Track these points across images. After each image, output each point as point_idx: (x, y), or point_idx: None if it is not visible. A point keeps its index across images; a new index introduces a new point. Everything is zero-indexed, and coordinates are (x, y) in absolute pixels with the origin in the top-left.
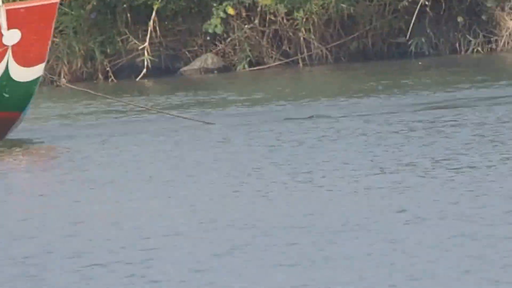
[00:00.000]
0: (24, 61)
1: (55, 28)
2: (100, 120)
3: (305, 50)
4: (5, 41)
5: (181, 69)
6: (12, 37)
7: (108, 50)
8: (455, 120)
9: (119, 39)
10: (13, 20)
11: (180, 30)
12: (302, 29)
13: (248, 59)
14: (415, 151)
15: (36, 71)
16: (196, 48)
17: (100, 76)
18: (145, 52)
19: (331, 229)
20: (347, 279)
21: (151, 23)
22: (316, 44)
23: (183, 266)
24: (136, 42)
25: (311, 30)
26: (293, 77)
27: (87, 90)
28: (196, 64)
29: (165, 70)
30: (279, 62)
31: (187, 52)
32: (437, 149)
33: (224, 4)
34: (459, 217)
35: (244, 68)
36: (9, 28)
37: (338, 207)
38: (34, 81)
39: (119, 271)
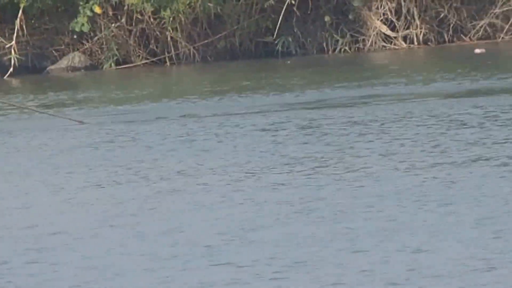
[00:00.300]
0: None
1: None
2: None
3: (172, 49)
4: None
5: (48, 68)
6: None
7: None
8: (328, 118)
9: None
10: None
11: (47, 28)
12: (169, 28)
13: (115, 58)
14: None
15: None
16: (63, 46)
17: None
18: (12, 50)
19: None
20: None
21: (17, 21)
22: (183, 43)
23: None
24: (3, 40)
25: (178, 29)
26: (161, 76)
27: None
28: (63, 62)
29: (33, 68)
30: (146, 61)
31: (54, 51)
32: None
33: (90, 2)
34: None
35: (111, 66)
36: None
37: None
38: None
39: None
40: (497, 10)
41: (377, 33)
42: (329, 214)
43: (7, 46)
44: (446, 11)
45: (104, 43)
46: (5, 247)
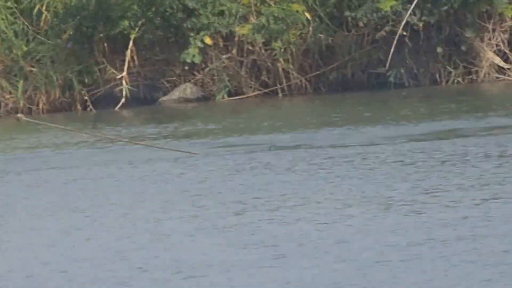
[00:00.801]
0: None
1: (32, 58)
2: (69, 151)
3: (284, 80)
4: None
5: (160, 99)
6: None
7: (86, 80)
8: (442, 151)
9: (96, 69)
10: None
11: (158, 59)
12: (281, 59)
13: (227, 89)
14: (406, 184)
15: None
16: (174, 78)
17: (78, 106)
18: (123, 81)
19: None
20: None
21: (128, 52)
22: (295, 74)
23: None
24: (114, 71)
25: (290, 60)
26: (273, 107)
27: (44, 123)
28: (175, 94)
29: (144, 100)
30: (259, 92)
31: (165, 82)
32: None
33: (201, 33)
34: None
35: (223, 98)
36: None
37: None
38: None
39: None
40: None
41: (490, 64)
42: None
43: (118, 77)
44: None
45: (216, 74)
46: None
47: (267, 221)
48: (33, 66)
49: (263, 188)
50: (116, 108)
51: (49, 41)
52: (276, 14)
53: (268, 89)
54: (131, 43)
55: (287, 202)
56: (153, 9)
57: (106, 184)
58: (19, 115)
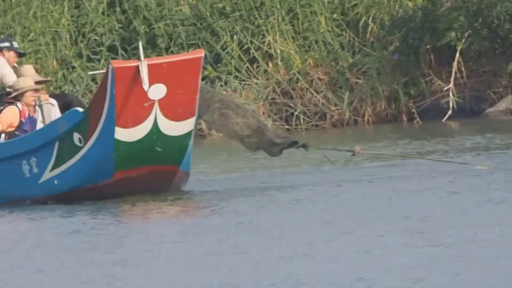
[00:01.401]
0: (173, 115)
1: (358, 70)
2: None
3: None
4: (151, 95)
5: (486, 111)
6: (158, 91)
7: (412, 91)
8: None
9: (422, 80)
10: (156, 75)
11: (485, 70)
12: None
13: None
14: None
15: (186, 125)
16: (501, 89)
17: (404, 117)
18: (450, 93)
19: None
20: None
21: (455, 64)
22: None
23: None
24: (440, 83)
25: None
26: None
27: (381, 154)
28: (502, 105)
29: (470, 111)
30: None
31: (492, 93)
32: None
33: None
34: None
35: None
36: (153, 82)
37: None
38: (186, 135)
39: None
40: None
41: None
42: None
43: (445, 88)
44: None
45: None
46: None
47: None
48: (358, 78)
49: None
50: (443, 120)
51: (375, 53)
52: None
53: None
54: (457, 55)
55: None
56: (480, 20)
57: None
58: (356, 148)
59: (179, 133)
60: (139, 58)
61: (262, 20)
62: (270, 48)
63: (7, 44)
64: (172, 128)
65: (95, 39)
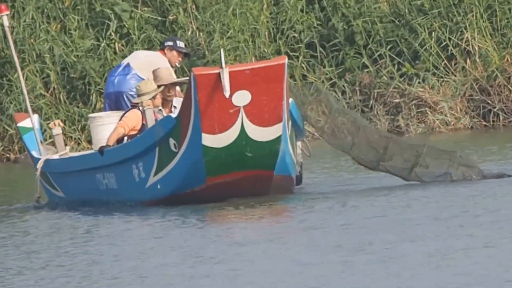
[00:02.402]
0: (260, 121)
1: None
2: None
3: None
4: (235, 102)
5: None
6: (242, 98)
7: None
8: None
9: None
10: (239, 82)
11: None
12: None
13: None
14: None
15: (274, 131)
16: None
17: None
18: None
19: None
20: None
21: None
22: None
23: None
24: None
25: None
26: None
27: None
28: None
29: None
30: None
31: None
32: None
33: None
34: None
35: None
36: (237, 89)
37: None
38: (276, 141)
39: None
40: None
41: None
42: None
43: None
44: None
45: None
46: None
47: None
48: None
49: None
50: None
51: None
52: None
53: None
54: None
55: None
56: None
57: None
58: None
59: (268, 139)
60: (221, 65)
61: (460, 17)
62: (468, 45)
63: (170, 43)
64: (260, 133)
65: (294, 36)
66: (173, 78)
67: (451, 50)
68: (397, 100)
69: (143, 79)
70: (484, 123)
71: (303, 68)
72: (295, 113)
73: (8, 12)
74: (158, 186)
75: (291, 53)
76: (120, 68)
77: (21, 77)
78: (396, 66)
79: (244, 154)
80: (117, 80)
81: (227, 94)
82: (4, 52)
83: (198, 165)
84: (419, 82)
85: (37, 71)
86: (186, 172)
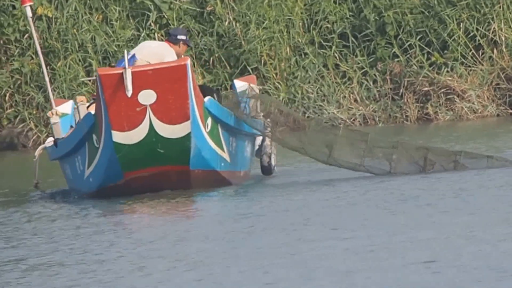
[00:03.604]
0: (168, 119)
1: None
2: None
3: None
4: (141, 100)
5: None
6: (147, 97)
7: None
8: None
9: None
10: (143, 81)
11: None
12: None
13: None
14: None
15: (184, 128)
16: None
17: None
18: None
19: None
20: None
21: None
22: None
23: None
24: None
25: None
26: None
27: None
28: None
29: None
30: None
31: None
32: None
33: None
34: None
35: None
36: (141, 88)
37: None
38: (186, 138)
39: None
40: None
41: None
42: None
43: None
44: None
45: None
46: None
47: None
48: None
49: None
50: None
51: None
52: None
53: None
54: None
55: None
56: None
57: None
58: None
59: (177, 136)
60: (124, 66)
61: (487, 8)
62: (495, 35)
63: (183, 37)
64: (169, 131)
65: (327, 27)
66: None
67: (479, 40)
68: (426, 89)
69: None
70: (510, 110)
71: (335, 57)
72: (216, 110)
73: (31, 3)
74: (90, 179)
75: (324, 43)
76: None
77: (43, 65)
78: (425, 56)
79: (156, 150)
80: None
81: (128, 94)
82: (48, 42)
83: (113, 160)
84: (447, 71)
85: (79, 60)
86: (106, 167)
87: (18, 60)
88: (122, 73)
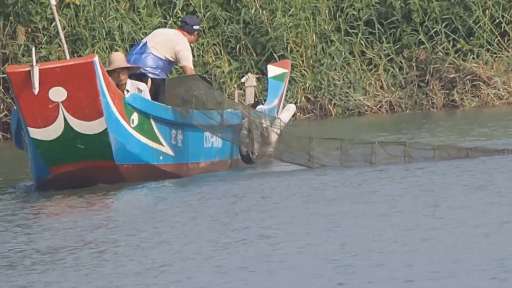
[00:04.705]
0: (82, 115)
1: None
2: None
3: None
4: (53, 97)
5: None
6: (58, 94)
7: None
8: None
9: None
10: (52, 78)
11: None
12: None
13: None
14: None
15: (100, 125)
16: None
17: None
18: None
19: None
20: None
21: None
22: None
23: None
24: None
25: None
26: None
27: None
28: None
29: None
30: None
31: None
32: None
33: None
34: None
35: None
36: (51, 85)
37: None
38: (103, 133)
39: None
40: None
41: None
42: None
43: None
44: None
45: None
46: None
47: None
48: None
49: None
50: None
51: None
52: None
53: None
54: None
55: None
56: None
57: None
58: None
59: (94, 132)
60: (31, 63)
61: None
62: None
63: (197, 27)
64: (85, 127)
65: (353, 14)
66: (125, 63)
67: (504, 27)
68: (452, 75)
69: (159, 57)
70: None
71: (361, 44)
72: (144, 106)
73: None
74: (32, 173)
75: (350, 30)
76: (138, 47)
77: (66, 52)
78: (451, 43)
79: (76, 146)
80: (133, 59)
81: (35, 91)
82: (76, 29)
83: (36, 156)
84: (473, 58)
85: (106, 48)
86: (34, 162)
87: (46, 48)
88: (29, 71)
